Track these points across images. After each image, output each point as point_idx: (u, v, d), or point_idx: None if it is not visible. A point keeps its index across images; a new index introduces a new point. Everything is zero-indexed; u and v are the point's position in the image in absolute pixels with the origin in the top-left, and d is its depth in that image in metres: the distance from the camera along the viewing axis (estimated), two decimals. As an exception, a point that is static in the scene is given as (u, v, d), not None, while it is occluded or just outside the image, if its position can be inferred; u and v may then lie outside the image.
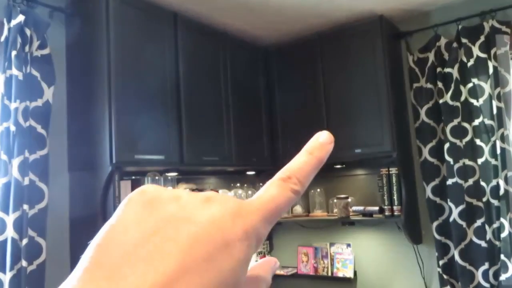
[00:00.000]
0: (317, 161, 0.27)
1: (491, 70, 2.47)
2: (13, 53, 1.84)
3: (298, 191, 0.26)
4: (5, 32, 1.87)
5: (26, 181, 1.82)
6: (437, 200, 2.66)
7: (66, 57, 2.22)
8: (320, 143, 0.27)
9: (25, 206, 1.80)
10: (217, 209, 0.24)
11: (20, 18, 1.88)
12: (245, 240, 0.23)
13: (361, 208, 2.81)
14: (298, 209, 3.19)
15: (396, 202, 2.64)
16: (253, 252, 0.24)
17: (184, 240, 0.22)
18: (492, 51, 2.47)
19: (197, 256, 0.22)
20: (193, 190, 2.71)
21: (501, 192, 2.39)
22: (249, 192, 3.20)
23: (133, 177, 2.18)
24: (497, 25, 2.49)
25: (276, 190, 0.25)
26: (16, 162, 1.80)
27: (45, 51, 2.02)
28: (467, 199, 2.52)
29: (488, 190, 2.47)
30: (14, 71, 1.84)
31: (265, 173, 3.36)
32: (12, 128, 1.81)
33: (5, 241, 1.76)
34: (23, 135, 1.83)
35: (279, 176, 0.26)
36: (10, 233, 1.75)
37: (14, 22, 1.87)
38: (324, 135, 0.27)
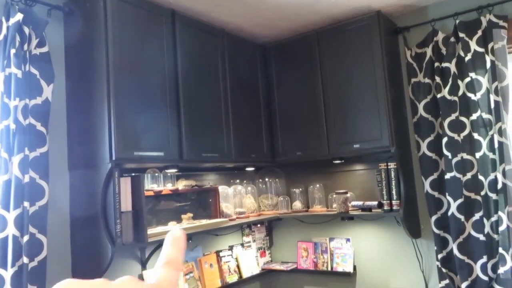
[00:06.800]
0: (180, 249, 0.39)
1: (488, 65, 2.48)
2: (12, 51, 1.85)
3: (179, 268, 0.38)
4: (4, 31, 1.88)
5: (27, 179, 1.83)
6: (436, 194, 2.67)
7: (65, 55, 2.23)
8: (177, 237, 0.39)
9: (26, 203, 1.82)
10: None
11: (19, 16, 1.89)
12: None
13: (360, 203, 2.83)
14: (298, 204, 3.20)
15: (395, 197, 2.65)
16: None
17: None
18: (490, 46, 2.48)
19: None
20: (192, 186, 2.73)
21: (499, 185, 2.41)
22: (249, 188, 3.21)
23: (133, 174, 2.19)
24: (494, 19, 2.50)
25: (169, 271, 0.37)
26: (16, 159, 1.81)
27: (44, 49, 2.03)
28: (466, 193, 2.54)
29: (486, 184, 2.49)
30: (13, 69, 1.85)
31: (265, 169, 3.38)
32: (12, 126, 1.82)
33: (6, 238, 1.77)
34: (23, 132, 1.84)
35: (164, 263, 0.38)
36: (11, 230, 1.77)
37: (12, 21, 1.88)
38: (178, 231, 0.40)
